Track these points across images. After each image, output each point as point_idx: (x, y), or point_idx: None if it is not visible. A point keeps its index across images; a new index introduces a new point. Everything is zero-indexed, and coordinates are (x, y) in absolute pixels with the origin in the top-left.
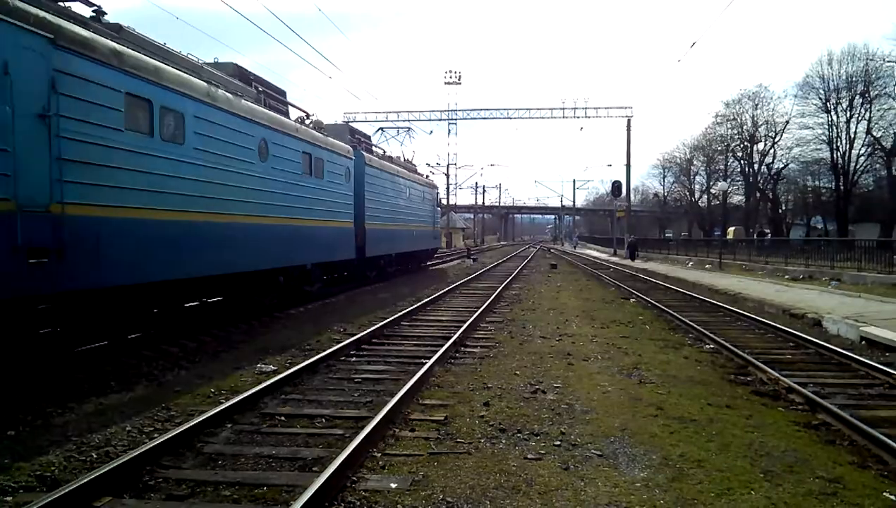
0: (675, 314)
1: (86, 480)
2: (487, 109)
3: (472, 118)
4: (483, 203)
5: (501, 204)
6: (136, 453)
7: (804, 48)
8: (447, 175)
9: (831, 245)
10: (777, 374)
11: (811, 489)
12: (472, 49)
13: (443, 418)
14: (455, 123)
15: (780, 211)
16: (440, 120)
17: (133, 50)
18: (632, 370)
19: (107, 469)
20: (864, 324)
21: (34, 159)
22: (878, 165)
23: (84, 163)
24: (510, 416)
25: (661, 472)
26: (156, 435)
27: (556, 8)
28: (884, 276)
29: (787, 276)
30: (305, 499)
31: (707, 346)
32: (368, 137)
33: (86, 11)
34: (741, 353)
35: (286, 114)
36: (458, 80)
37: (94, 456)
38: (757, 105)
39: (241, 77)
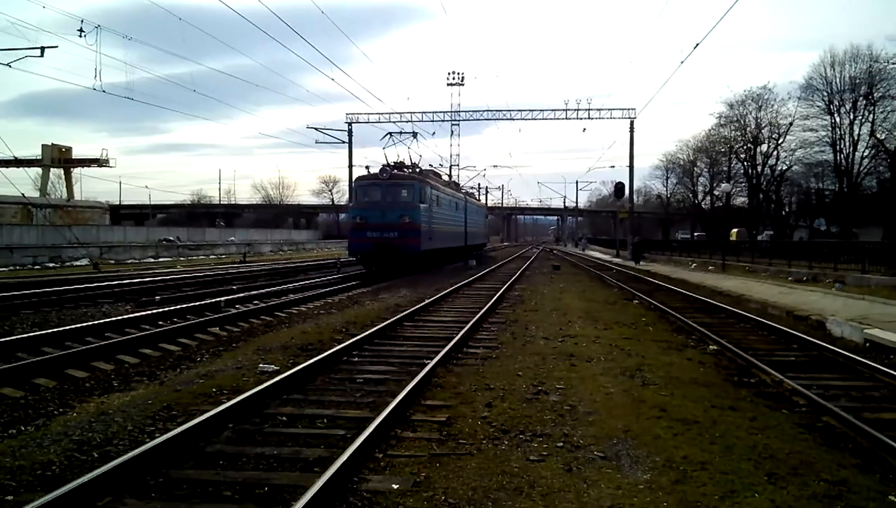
0: (678, 315)
1: (86, 479)
2: (490, 110)
3: (475, 119)
4: (486, 204)
5: (504, 205)
6: (138, 452)
7: (808, 49)
8: (450, 176)
9: (835, 247)
10: (781, 376)
11: (815, 491)
12: (475, 50)
13: (445, 419)
14: (458, 125)
15: (783, 212)
16: (443, 121)
17: (434, 179)
18: (635, 371)
19: (108, 468)
20: (869, 327)
21: (426, 216)
22: (881, 167)
23: (432, 215)
24: (513, 417)
25: (665, 474)
26: (157, 435)
27: (558, 9)
28: (888, 278)
29: (790, 278)
30: (307, 500)
31: (710, 348)
32: (459, 184)
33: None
34: (744, 355)
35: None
36: (462, 81)
37: (96, 456)
38: (760, 106)
39: (434, 173)
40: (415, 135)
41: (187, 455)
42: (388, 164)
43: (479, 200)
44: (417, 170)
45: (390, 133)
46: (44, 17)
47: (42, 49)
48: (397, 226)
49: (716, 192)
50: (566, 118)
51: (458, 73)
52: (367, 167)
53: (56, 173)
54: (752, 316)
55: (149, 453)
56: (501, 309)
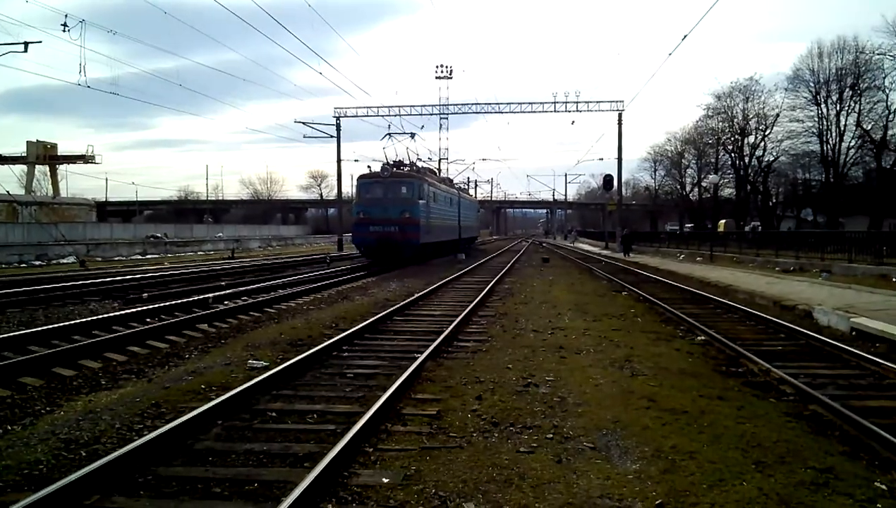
0: (667, 306)
1: (74, 478)
2: (479, 104)
3: (463, 112)
4: (475, 197)
5: (493, 198)
6: (126, 450)
7: (796, 40)
8: (438, 170)
9: (821, 237)
10: (768, 365)
11: (803, 479)
12: (463, 43)
13: (435, 412)
14: (447, 118)
15: (770, 203)
16: (431, 114)
17: (431, 176)
18: (623, 362)
19: (95, 466)
20: (855, 315)
21: (424, 211)
22: (867, 158)
23: (429, 210)
24: (503, 410)
25: (654, 464)
26: (145, 432)
27: (546, 1)
28: (874, 268)
29: (777, 268)
30: (297, 495)
31: (698, 338)
32: (452, 180)
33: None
34: (732, 345)
35: (438, 180)
36: (450, 74)
37: (84, 454)
38: (748, 98)
39: (430, 171)
40: (413, 135)
41: (176, 452)
42: (389, 163)
43: (471, 195)
44: (415, 168)
45: (389, 134)
46: (27, 12)
47: (26, 44)
48: (398, 221)
49: (703, 184)
50: (555, 111)
51: (447, 67)
52: (368, 166)
53: (41, 170)
54: (739, 307)
55: (137, 451)
56: (491, 302)
